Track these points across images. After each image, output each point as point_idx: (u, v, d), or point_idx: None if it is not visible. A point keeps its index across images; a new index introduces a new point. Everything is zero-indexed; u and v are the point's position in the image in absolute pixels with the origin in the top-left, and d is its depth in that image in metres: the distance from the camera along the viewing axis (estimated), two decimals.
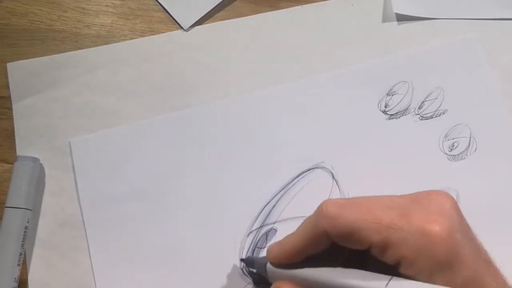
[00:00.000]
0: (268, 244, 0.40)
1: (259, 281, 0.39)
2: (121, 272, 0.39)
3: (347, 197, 0.42)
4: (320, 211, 0.30)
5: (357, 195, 0.41)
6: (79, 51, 0.44)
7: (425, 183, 0.42)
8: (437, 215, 0.27)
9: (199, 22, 0.45)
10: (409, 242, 0.26)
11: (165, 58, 0.44)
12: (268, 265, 0.34)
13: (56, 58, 0.44)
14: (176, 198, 0.41)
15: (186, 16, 0.45)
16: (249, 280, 0.40)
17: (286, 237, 0.32)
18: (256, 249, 0.40)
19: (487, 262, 0.28)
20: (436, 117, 0.44)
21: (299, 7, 0.46)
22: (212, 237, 0.40)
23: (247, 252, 0.40)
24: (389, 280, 0.27)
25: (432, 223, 0.27)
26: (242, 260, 0.40)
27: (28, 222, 0.39)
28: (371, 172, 0.42)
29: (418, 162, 0.43)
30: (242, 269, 0.40)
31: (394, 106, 0.44)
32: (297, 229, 0.32)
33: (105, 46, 0.44)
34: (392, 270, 0.28)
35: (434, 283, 0.26)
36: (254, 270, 0.38)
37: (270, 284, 0.33)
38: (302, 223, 0.32)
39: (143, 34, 0.45)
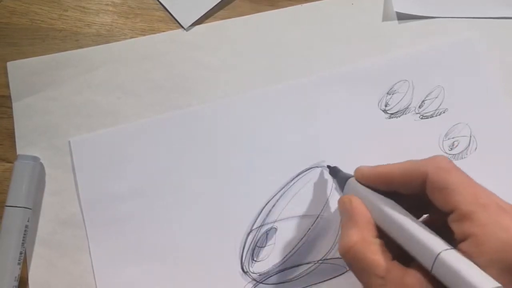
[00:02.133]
0: (268, 243, 0.41)
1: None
2: (121, 271, 0.40)
3: None
4: (430, 159, 0.30)
5: None
6: (80, 50, 0.44)
7: None
8: None
9: (199, 21, 0.45)
10: (489, 227, 0.26)
11: (165, 57, 0.44)
12: (350, 180, 0.34)
13: (56, 57, 0.44)
14: (176, 197, 0.41)
15: (186, 15, 0.45)
16: (249, 279, 0.40)
17: (382, 164, 0.33)
18: (256, 248, 0.40)
19: None
20: (436, 116, 0.44)
21: (299, 6, 0.46)
22: (212, 236, 0.40)
23: (247, 252, 0.40)
24: (450, 248, 0.27)
25: None
26: (328, 166, 0.41)
27: (28, 221, 0.39)
28: None
29: None
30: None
31: (395, 105, 0.44)
32: (398, 163, 0.32)
33: (105, 45, 0.44)
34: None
35: (488, 274, 0.25)
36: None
37: None
38: (406, 161, 0.32)
39: (143, 33, 0.45)
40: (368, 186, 0.33)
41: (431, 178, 0.29)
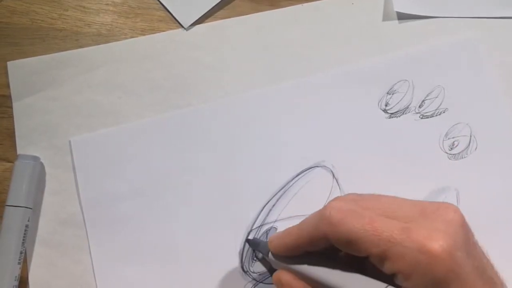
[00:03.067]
0: None
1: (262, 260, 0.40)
2: (122, 271, 0.40)
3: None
4: (323, 214, 0.30)
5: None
6: (80, 49, 0.44)
7: (425, 182, 0.42)
8: (440, 232, 0.27)
9: (200, 20, 0.45)
10: (406, 257, 0.26)
11: (165, 56, 0.44)
12: (270, 254, 0.35)
13: (56, 57, 0.44)
14: (176, 196, 0.41)
15: (186, 14, 0.45)
16: (249, 279, 0.40)
17: (287, 229, 0.33)
18: None
19: (492, 281, 0.28)
20: (436, 115, 0.44)
21: (299, 5, 0.46)
22: (212, 235, 0.40)
23: (247, 252, 0.40)
24: (386, 287, 0.27)
25: (434, 241, 0.26)
26: (247, 240, 0.40)
27: (28, 221, 0.39)
28: (372, 171, 0.42)
29: (418, 161, 0.43)
30: (242, 251, 0.40)
31: (395, 105, 0.44)
32: (298, 224, 0.32)
33: (105, 44, 0.44)
34: (390, 278, 0.28)
35: None
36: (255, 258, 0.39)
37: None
38: (305, 220, 0.32)
39: (143, 32, 0.45)
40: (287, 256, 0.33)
41: (331, 237, 0.29)
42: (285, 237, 0.33)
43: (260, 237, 0.41)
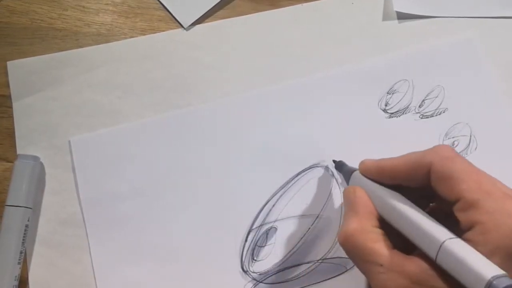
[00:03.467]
0: (268, 243, 0.41)
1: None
2: (122, 271, 0.40)
3: None
4: (433, 148, 0.30)
5: None
6: (80, 49, 0.44)
7: None
8: None
9: (199, 20, 0.45)
10: (495, 215, 0.26)
11: (165, 56, 0.44)
12: (355, 173, 0.34)
13: (56, 57, 0.44)
14: (177, 196, 0.41)
15: (186, 14, 0.45)
16: (249, 278, 0.40)
17: (386, 158, 0.33)
18: (256, 247, 0.40)
19: None
20: (436, 115, 0.44)
21: (299, 5, 0.46)
22: (213, 235, 0.40)
23: (247, 252, 0.40)
24: (455, 237, 0.27)
25: None
26: (334, 161, 0.41)
27: (28, 221, 0.39)
28: None
29: None
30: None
31: (395, 105, 0.44)
32: (400, 156, 0.32)
33: (105, 44, 0.44)
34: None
35: (493, 262, 0.25)
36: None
37: None
38: (408, 153, 0.32)
39: (143, 32, 0.45)
40: (372, 180, 0.33)
41: (434, 168, 0.29)
42: (382, 160, 0.33)
43: (260, 237, 0.41)
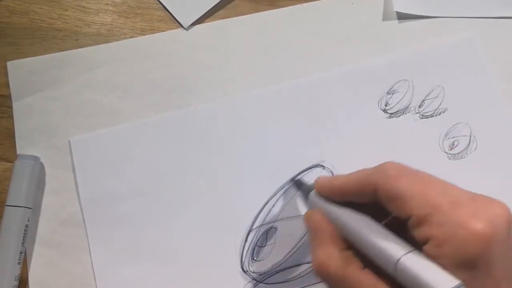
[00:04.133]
0: (268, 243, 0.41)
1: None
2: (122, 271, 0.40)
3: None
4: (379, 167, 0.30)
5: None
6: (80, 49, 0.44)
7: None
8: (486, 218, 0.26)
9: (199, 20, 0.45)
10: (446, 227, 0.26)
11: (165, 56, 0.44)
12: (312, 193, 0.34)
13: (56, 57, 0.44)
14: (176, 196, 0.41)
15: (186, 14, 0.45)
16: (249, 279, 0.40)
17: (338, 175, 0.33)
18: (256, 247, 0.40)
19: None
20: (436, 115, 0.44)
21: (299, 5, 0.46)
22: (212, 235, 0.40)
23: (247, 252, 0.40)
24: (410, 251, 0.27)
25: (478, 222, 0.26)
26: (293, 180, 0.41)
27: (28, 221, 0.39)
28: None
29: (418, 161, 0.42)
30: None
31: (395, 105, 0.44)
32: (351, 173, 0.32)
33: (105, 44, 0.44)
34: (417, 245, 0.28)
35: (450, 272, 0.25)
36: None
37: None
38: (358, 171, 0.32)
39: (143, 32, 0.45)
40: (327, 198, 0.33)
41: (380, 188, 0.29)
42: (334, 179, 0.33)
43: (259, 237, 0.41)
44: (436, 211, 0.27)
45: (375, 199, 0.30)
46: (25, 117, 0.42)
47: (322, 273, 0.30)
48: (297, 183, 0.41)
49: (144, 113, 0.43)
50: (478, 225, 0.26)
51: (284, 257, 0.40)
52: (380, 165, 0.30)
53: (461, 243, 0.26)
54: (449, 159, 0.43)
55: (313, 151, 0.42)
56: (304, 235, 0.41)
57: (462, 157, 0.43)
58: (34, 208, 0.40)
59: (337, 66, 0.45)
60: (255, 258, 0.40)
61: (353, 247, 0.30)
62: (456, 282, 0.25)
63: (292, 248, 0.41)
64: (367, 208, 0.31)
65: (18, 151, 0.42)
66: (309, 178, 0.42)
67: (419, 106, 0.44)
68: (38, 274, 0.40)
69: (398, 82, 0.44)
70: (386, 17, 0.46)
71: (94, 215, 0.40)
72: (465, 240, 0.26)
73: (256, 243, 0.41)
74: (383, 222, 0.30)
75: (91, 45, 0.44)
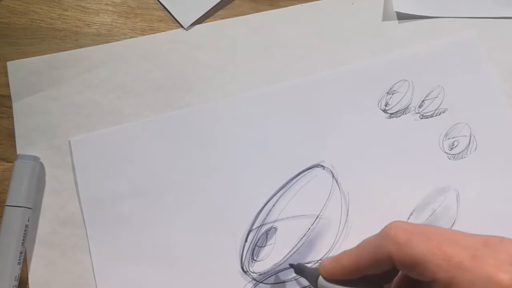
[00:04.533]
0: (268, 243, 0.41)
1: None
2: (121, 271, 0.40)
3: (346, 195, 0.42)
4: (386, 235, 0.29)
5: (357, 195, 0.41)
6: (80, 49, 0.44)
7: (425, 182, 0.42)
8: (508, 265, 0.26)
9: (199, 20, 0.45)
10: (475, 286, 0.26)
11: (165, 56, 0.44)
12: (320, 279, 0.33)
13: (56, 57, 0.44)
14: (176, 196, 0.41)
15: (186, 14, 0.45)
16: (249, 279, 0.40)
17: (343, 252, 0.31)
18: (256, 247, 0.40)
19: None
20: (436, 115, 0.44)
21: (299, 5, 0.46)
22: (212, 235, 0.40)
23: (247, 252, 0.40)
24: None
25: (503, 273, 0.25)
26: (291, 265, 0.39)
27: (28, 221, 0.39)
28: (371, 171, 0.42)
29: (418, 161, 0.43)
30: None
31: (395, 105, 0.44)
32: (356, 247, 0.31)
33: (105, 44, 0.44)
34: None
35: None
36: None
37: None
38: (363, 242, 0.31)
39: (143, 32, 0.45)
40: (338, 281, 0.32)
41: (396, 258, 0.28)
42: (341, 259, 0.31)
43: (260, 237, 0.41)
44: (461, 271, 0.26)
45: (391, 267, 0.29)
46: (25, 117, 0.42)
47: None
48: (297, 269, 0.38)
49: (144, 113, 0.43)
50: (505, 276, 0.25)
51: (284, 257, 0.40)
52: (386, 229, 0.29)
53: None
54: (449, 159, 0.43)
55: (313, 151, 0.42)
56: (304, 235, 0.41)
57: (462, 157, 0.43)
58: (34, 208, 0.40)
59: (337, 66, 0.45)
60: (255, 258, 0.40)
61: None
62: None
63: (292, 248, 0.41)
64: (377, 277, 0.30)
65: (18, 151, 0.42)
66: (309, 178, 0.42)
67: (419, 106, 0.44)
68: (38, 274, 0.40)
69: (398, 82, 0.44)
70: (386, 17, 0.46)
71: (94, 215, 0.40)
72: None
73: (256, 243, 0.41)
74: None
75: (91, 45, 0.44)
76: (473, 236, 0.29)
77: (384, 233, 0.29)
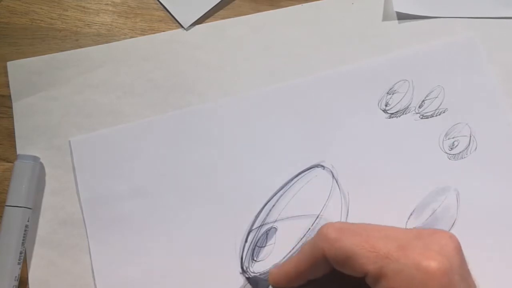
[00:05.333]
0: (268, 243, 0.41)
1: None
2: (121, 271, 0.40)
3: (346, 195, 0.42)
4: (319, 234, 0.30)
5: (357, 195, 0.41)
6: (80, 49, 0.44)
7: (425, 182, 0.42)
8: (436, 253, 0.27)
9: (199, 20, 0.45)
10: (403, 274, 0.26)
11: (165, 56, 0.44)
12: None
13: (56, 57, 0.44)
14: (176, 196, 0.41)
15: (186, 14, 0.45)
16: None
17: (287, 260, 0.33)
18: (256, 248, 0.40)
19: None
20: (436, 116, 0.44)
21: (299, 5, 0.46)
22: (212, 235, 0.40)
23: (247, 252, 0.40)
24: None
25: (430, 260, 0.26)
26: (247, 278, 0.39)
27: (28, 221, 0.39)
28: (371, 171, 0.42)
29: (418, 161, 0.43)
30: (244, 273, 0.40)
31: (395, 105, 0.44)
32: (297, 252, 0.32)
33: (105, 44, 0.44)
34: None
35: None
36: None
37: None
38: (303, 246, 0.32)
39: (143, 32, 0.45)
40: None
41: (328, 255, 0.29)
42: (284, 265, 0.32)
43: (260, 237, 0.41)
44: (388, 261, 0.27)
45: (330, 267, 0.30)
46: (25, 117, 0.42)
47: None
48: (252, 282, 0.39)
49: (144, 113, 0.43)
50: (432, 263, 0.26)
51: (284, 257, 0.40)
52: (320, 229, 0.30)
53: (422, 285, 0.26)
54: (449, 159, 0.43)
55: (313, 151, 0.42)
56: (304, 235, 0.41)
57: (462, 157, 0.43)
58: (34, 208, 0.40)
59: (337, 66, 0.45)
60: (255, 259, 0.40)
61: None
62: None
63: (292, 248, 0.41)
64: (323, 283, 0.31)
65: (18, 151, 0.42)
66: (309, 178, 0.42)
67: (419, 106, 0.44)
68: (38, 274, 0.39)
69: (398, 82, 0.44)
70: (386, 17, 0.46)
71: (94, 215, 0.40)
72: (424, 281, 0.26)
73: (256, 243, 0.41)
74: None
75: (91, 45, 0.44)
76: (405, 230, 0.30)
77: (318, 232, 0.30)
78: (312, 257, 0.30)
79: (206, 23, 0.45)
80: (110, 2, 0.46)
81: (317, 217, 0.41)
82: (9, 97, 0.43)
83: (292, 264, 0.32)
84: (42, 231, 0.40)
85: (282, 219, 0.41)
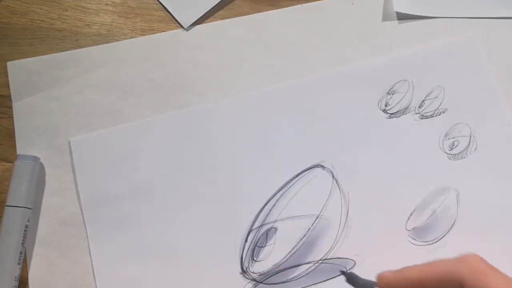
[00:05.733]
0: (268, 243, 0.40)
1: None
2: (121, 271, 0.40)
3: (346, 195, 0.42)
4: (465, 260, 0.29)
5: (357, 195, 0.41)
6: (80, 50, 0.44)
7: (425, 182, 0.42)
8: None
9: (199, 21, 0.45)
10: None
11: (165, 56, 0.44)
12: None
13: (56, 57, 0.44)
14: (177, 196, 0.41)
15: (186, 15, 0.45)
16: (249, 279, 0.40)
17: (406, 267, 0.31)
18: (256, 248, 0.40)
19: None
20: (436, 116, 0.44)
21: (299, 5, 0.46)
22: (213, 235, 0.40)
23: (247, 252, 0.40)
24: None
25: None
26: (342, 272, 0.38)
27: (28, 221, 0.39)
28: (371, 171, 0.42)
29: (418, 161, 0.43)
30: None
31: (395, 105, 0.44)
32: (425, 264, 0.30)
33: (105, 45, 0.44)
34: None
35: None
36: None
37: None
38: (435, 261, 0.30)
39: (143, 33, 0.45)
40: None
41: (469, 284, 0.28)
42: (407, 271, 0.31)
43: (260, 238, 0.41)
44: None
45: None
46: (25, 117, 0.42)
47: None
48: (349, 278, 0.36)
49: (144, 113, 0.43)
50: None
51: (284, 257, 0.40)
52: (463, 256, 0.29)
53: None
54: (449, 159, 0.43)
55: (313, 151, 0.42)
56: (304, 235, 0.41)
57: (462, 158, 0.43)
58: (34, 208, 0.40)
59: (337, 66, 0.45)
60: (255, 259, 0.40)
61: None
62: None
63: (292, 248, 0.41)
64: None
65: (18, 151, 0.42)
66: (309, 178, 0.42)
67: (419, 107, 0.44)
68: (38, 274, 0.39)
69: (398, 82, 0.44)
70: (386, 17, 0.46)
71: (94, 215, 0.40)
72: None
73: (256, 243, 0.41)
74: None
75: (91, 45, 0.44)
76: None
77: (461, 259, 0.29)
78: (446, 275, 0.29)
79: (206, 23, 0.45)
80: (110, 2, 0.46)
81: (317, 217, 0.41)
82: (9, 97, 0.43)
83: (417, 273, 0.30)
84: (42, 231, 0.40)
85: (282, 219, 0.41)
